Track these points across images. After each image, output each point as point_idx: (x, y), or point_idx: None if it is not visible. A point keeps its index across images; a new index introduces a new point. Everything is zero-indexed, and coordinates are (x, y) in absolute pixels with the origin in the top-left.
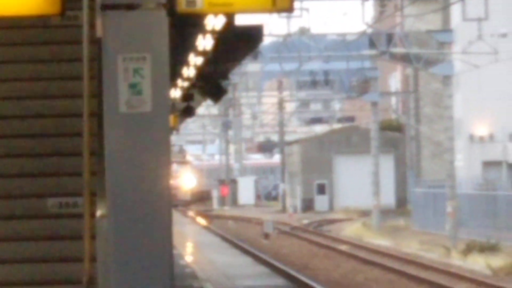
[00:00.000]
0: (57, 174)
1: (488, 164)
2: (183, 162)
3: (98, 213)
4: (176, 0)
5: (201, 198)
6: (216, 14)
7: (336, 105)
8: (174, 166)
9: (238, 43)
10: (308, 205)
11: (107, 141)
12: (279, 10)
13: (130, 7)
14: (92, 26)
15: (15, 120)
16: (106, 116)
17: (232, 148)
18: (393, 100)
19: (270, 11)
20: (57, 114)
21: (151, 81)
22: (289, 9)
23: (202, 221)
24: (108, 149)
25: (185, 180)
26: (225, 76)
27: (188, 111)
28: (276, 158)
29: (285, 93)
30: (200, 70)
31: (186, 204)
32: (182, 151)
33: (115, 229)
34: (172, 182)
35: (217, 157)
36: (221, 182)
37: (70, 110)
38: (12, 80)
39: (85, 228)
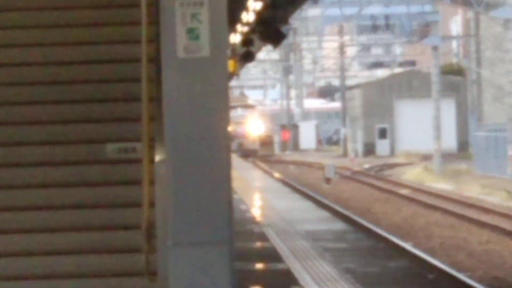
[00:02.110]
0: (116, 120)
1: None
2: (249, 106)
3: (157, 158)
4: None
5: (268, 143)
6: None
7: (397, 50)
8: (239, 111)
9: None
10: (369, 150)
11: (165, 87)
12: None
13: None
14: None
15: (73, 66)
16: (164, 61)
17: (293, 93)
18: (454, 44)
19: None
20: (115, 59)
21: (209, 26)
22: None
23: (263, 165)
24: (166, 94)
25: (252, 126)
26: (284, 20)
27: (248, 56)
28: (337, 103)
29: (346, 38)
30: (260, 15)
31: (255, 154)
32: (243, 96)
33: (174, 174)
34: (237, 129)
35: (278, 102)
36: (283, 127)
37: (128, 55)
38: (68, 26)
39: (144, 173)
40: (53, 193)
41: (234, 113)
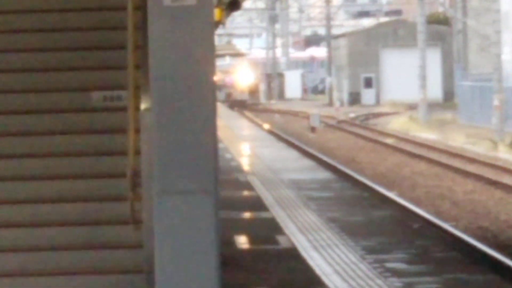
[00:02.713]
0: (101, 68)
1: None
2: (238, 55)
3: (142, 106)
4: None
5: (255, 92)
6: None
7: None
8: (227, 60)
9: None
10: (354, 99)
11: (150, 35)
12: None
13: None
14: None
15: (58, 13)
16: (150, 9)
17: (279, 42)
18: None
19: None
20: (101, 7)
21: None
22: None
23: (249, 114)
24: (152, 42)
25: (241, 76)
26: None
27: (234, 5)
28: (323, 51)
29: None
30: None
31: (244, 104)
32: (231, 44)
33: (159, 123)
34: (226, 78)
35: (264, 51)
36: (268, 76)
37: (114, 3)
38: None
39: (129, 121)
40: (37, 141)
41: (222, 62)
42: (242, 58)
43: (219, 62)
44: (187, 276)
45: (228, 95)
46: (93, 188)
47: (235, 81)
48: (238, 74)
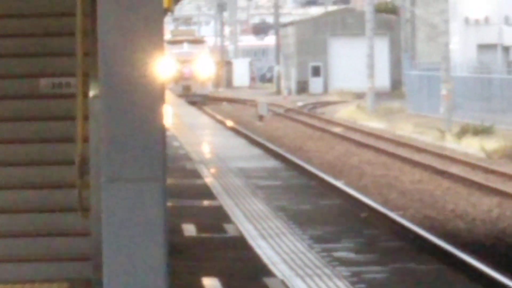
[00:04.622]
0: (49, 54)
1: (483, 47)
2: (198, 41)
3: (91, 93)
4: None
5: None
6: None
7: None
8: (185, 47)
9: None
10: (302, 87)
11: (99, 21)
12: None
13: None
14: None
15: (6, 0)
16: None
17: (227, 30)
18: None
19: None
20: None
21: None
22: None
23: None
24: (101, 29)
25: (202, 66)
26: None
27: None
28: (271, 39)
29: None
30: None
31: (206, 101)
32: (190, 29)
33: (107, 110)
34: (183, 69)
35: (212, 39)
36: (217, 64)
37: None
38: None
39: (78, 108)
40: None
41: (180, 50)
42: (202, 45)
43: (175, 50)
44: (135, 264)
45: (186, 89)
46: (41, 176)
47: (195, 72)
48: (199, 63)
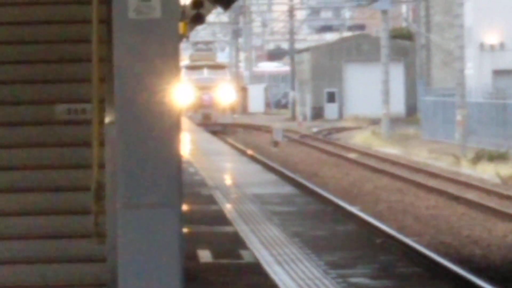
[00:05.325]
0: (65, 80)
1: (498, 73)
2: (218, 67)
3: (107, 120)
4: None
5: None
6: None
7: (347, 13)
8: (205, 73)
9: None
10: (317, 113)
11: (115, 48)
12: None
13: None
14: None
15: (23, 26)
16: (115, 22)
17: (242, 56)
18: (404, 8)
19: None
20: (66, 20)
21: None
22: None
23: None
24: (117, 55)
25: (223, 93)
26: None
27: (198, 18)
28: (286, 66)
29: (296, 1)
30: None
31: (227, 129)
32: (210, 53)
33: (123, 136)
34: (203, 96)
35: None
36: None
37: (79, 16)
38: None
39: (93, 135)
40: (0, 154)
41: (199, 76)
42: (223, 70)
43: (195, 76)
44: None
45: (206, 117)
46: (57, 202)
47: (215, 99)
48: (219, 90)
